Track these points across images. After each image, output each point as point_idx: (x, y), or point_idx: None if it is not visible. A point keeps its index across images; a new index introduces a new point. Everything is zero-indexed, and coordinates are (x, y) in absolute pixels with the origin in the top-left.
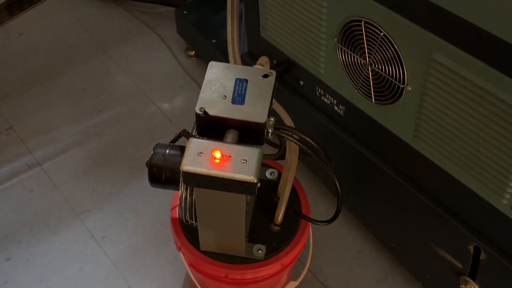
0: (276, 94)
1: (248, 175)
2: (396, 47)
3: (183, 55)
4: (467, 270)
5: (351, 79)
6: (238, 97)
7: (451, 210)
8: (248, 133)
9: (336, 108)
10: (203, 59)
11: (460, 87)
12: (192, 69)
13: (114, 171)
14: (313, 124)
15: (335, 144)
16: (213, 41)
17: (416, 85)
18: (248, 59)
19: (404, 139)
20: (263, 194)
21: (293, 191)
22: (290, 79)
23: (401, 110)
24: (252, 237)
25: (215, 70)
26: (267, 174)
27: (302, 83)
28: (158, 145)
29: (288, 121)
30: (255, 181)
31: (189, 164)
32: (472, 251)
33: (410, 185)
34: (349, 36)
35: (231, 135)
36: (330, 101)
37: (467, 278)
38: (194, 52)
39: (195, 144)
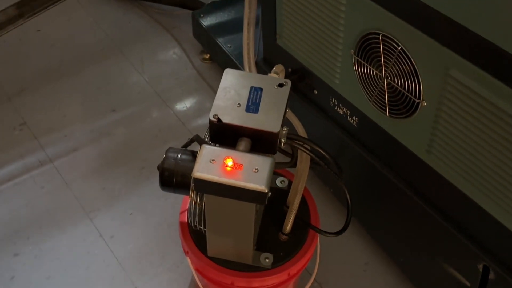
0: (290, 103)
1: (259, 185)
2: (413, 62)
3: (198, 58)
4: None
5: (366, 91)
6: (253, 106)
7: (462, 228)
8: (260, 142)
9: (349, 119)
10: (218, 63)
11: (476, 105)
12: (206, 72)
13: (125, 171)
14: (326, 133)
15: (347, 155)
16: (229, 46)
17: (432, 101)
18: (263, 65)
19: (417, 154)
20: (272, 202)
21: (303, 201)
22: (304, 88)
23: (415, 125)
24: (260, 245)
25: (230, 77)
26: (278, 183)
27: (316, 92)
28: (170, 149)
29: (301, 130)
30: (266, 191)
31: (201, 171)
32: (481, 270)
33: (421, 200)
34: (366, 48)
35: (243, 143)
36: (344, 111)
37: None
38: (209, 55)
39: (208, 151)
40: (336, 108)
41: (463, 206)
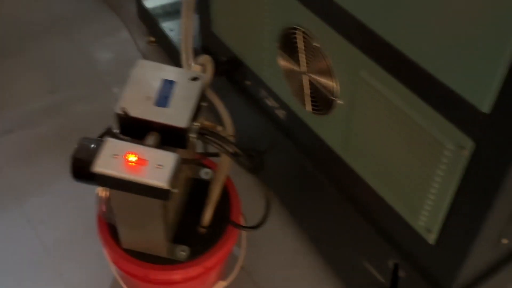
0: (224, 93)
1: (161, 181)
2: (327, 59)
3: (143, 40)
4: (388, 285)
5: (290, 85)
6: (163, 99)
7: (376, 225)
8: (170, 137)
9: (277, 111)
10: (162, 47)
11: (381, 106)
12: (151, 55)
13: (59, 156)
14: (257, 125)
15: (277, 147)
16: (171, 30)
17: (346, 100)
18: (203, 53)
19: (336, 151)
20: (195, 194)
21: (225, 193)
22: (239, 78)
23: (332, 122)
24: (178, 238)
25: (142, 69)
26: (202, 174)
27: (248, 83)
28: (84, 139)
29: (228, 123)
30: (168, 188)
31: (101, 166)
32: (391, 267)
33: (341, 195)
34: (288, 42)
35: (152, 137)
36: (273, 104)
37: None
38: (154, 38)
39: (110, 145)
40: (266, 100)
41: (376, 203)
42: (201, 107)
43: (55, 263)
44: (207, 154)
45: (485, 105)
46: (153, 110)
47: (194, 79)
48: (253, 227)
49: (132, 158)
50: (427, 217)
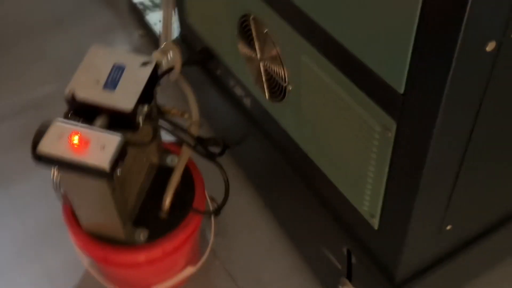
0: (198, 82)
1: (101, 163)
2: (276, 46)
3: (136, 33)
4: (345, 272)
5: (251, 73)
6: (111, 83)
7: (330, 210)
8: (119, 120)
9: (244, 100)
10: (151, 40)
11: (321, 90)
12: (144, 48)
13: None
14: (228, 113)
15: (247, 135)
16: (155, 24)
17: (295, 85)
18: (182, 43)
19: (293, 137)
20: (161, 180)
21: (190, 179)
22: (211, 68)
23: (287, 108)
24: (139, 221)
25: (95, 54)
26: (168, 161)
27: (219, 72)
28: (44, 123)
29: (194, 111)
30: (107, 170)
31: (45, 147)
32: (345, 253)
33: (302, 182)
34: (244, 30)
35: (100, 120)
36: (240, 92)
37: (345, 280)
38: (144, 31)
39: (57, 127)
40: (234, 89)
41: (328, 188)
42: (154, 92)
43: (34, 247)
44: (176, 142)
45: (401, 86)
46: (100, 93)
47: (145, 64)
48: (212, 212)
49: (76, 139)
50: (369, 202)
